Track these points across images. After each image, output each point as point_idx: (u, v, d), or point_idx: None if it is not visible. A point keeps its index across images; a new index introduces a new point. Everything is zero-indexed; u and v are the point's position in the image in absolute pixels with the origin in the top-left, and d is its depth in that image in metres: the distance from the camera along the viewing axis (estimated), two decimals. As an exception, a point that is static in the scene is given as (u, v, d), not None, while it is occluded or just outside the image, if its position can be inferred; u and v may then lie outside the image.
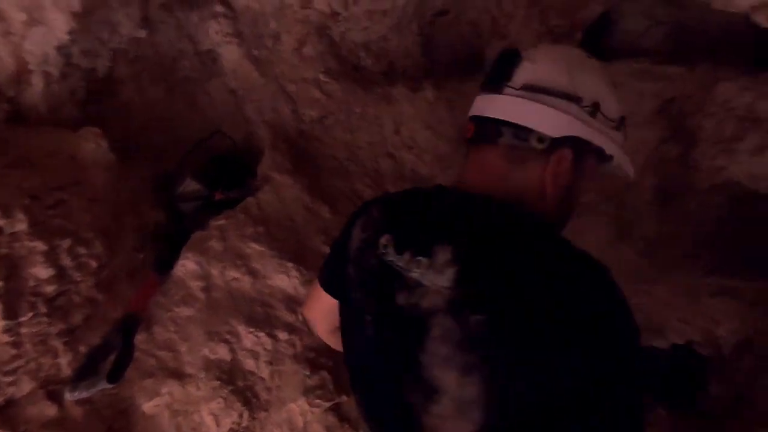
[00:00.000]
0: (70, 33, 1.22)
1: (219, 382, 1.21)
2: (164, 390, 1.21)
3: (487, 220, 0.56)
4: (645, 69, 1.38)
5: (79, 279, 1.14)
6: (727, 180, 1.25)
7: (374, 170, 1.57)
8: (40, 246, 1.08)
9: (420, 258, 0.56)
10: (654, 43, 1.54)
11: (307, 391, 1.22)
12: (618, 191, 1.32)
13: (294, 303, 1.32)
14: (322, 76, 1.57)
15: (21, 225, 1.08)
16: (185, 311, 1.28)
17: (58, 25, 1.19)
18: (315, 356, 1.26)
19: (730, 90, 1.22)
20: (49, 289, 1.08)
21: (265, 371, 1.24)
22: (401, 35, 1.64)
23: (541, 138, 0.59)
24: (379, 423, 0.62)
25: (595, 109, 0.60)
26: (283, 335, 1.27)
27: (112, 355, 1.11)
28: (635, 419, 0.51)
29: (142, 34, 1.47)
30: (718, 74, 1.29)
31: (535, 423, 0.49)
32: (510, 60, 0.62)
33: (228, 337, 1.25)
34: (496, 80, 0.62)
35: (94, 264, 1.17)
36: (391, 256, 0.58)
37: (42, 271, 1.07)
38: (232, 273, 1.31)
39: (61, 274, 1.10)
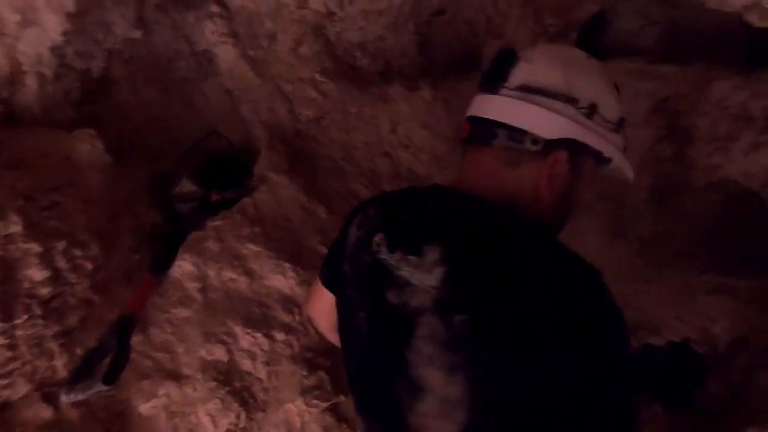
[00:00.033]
0: (64, 34, 1.21)
1: (216, 383, 1.20)
2: (161, 391, 1.20)
3: (480, 221, 0.56)
4: (640, 68, 1.39)
5: (74, 281, 1.13)
6: (722, 178, 1.25)
7: (371, 170, 1.57)
8: (35, 248, 1.08)
9: (410, 257, 0.56)
10: (648, 43, 1.54)
11: (305, 392, 1.21)
12: (614, 190, 1.33)
13: (291, 303, 1.31)
14: (318, 76, 1.57)
15: (15, 227, 1.07)
16: (182, 312, 1.27)
17: (52, 26, 1.18)
18: (312, 356, 1.26)
19: (725, 89, 1.23)
20: (45, 291, 1.08)
21: (262, 372, 1.24)
22: (397, 35, 1.64)
23: (535, 140, 0.58)
24: (372, 420, 0.62)
25: (591, 110, 0.59)
26: (280, 336, 1.27)
27: (108, 356, 1.11)
28: (625, 420, 0.51)
29: (137, 34, 1.47)
30: (713, 73, 1.29)
31: (521, 425, 0.49)
32: (506, 60, 0.62)
33: (225, 337, 1.25)
34: (492, 80, 0.62)
35: (89, 265, 1.16)
36: (384, 254, 0.59)
37: (37, 273, 1.07)
38: (229, 274, 1.31)
39: (56, 276, 1.10)
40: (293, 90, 1.56)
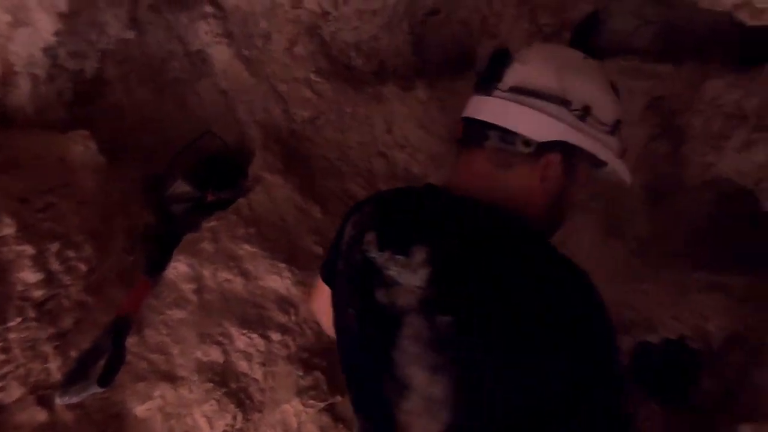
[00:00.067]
0: (56, 34, 1.21)
1: (212, 384, 1.20)
2: (156, 393, 1.20)
3: (469, 223, 0.56)
4: (634, 67, 1.39)
5: (68, 283, 1.13)
6: (716, 176, 1.26)
7: (366, 170, 1.56)
8: (29, 250, 1.07)
9: (398, 256, 0.57)
10: (643, 42, 1.55)
11: (301, 392, 1.21)
12: (609, 189, 1.33)
13: (287, 304, 1.31)
14: (313, 76, 1.56)
15: (9, 229, 1.07)
16: (177, 314, 1.27)
17: (44, 26, 1.17)
18: (308, 357, 1.26)
19: (718, 87, 1.24)
20: (38, 293, 1.07)
21: (258, 372, 1.24)
22: (392, 35, 1.64)
23: (527, 142, 0.58)
24: (365, 418, 0.63)
25: (585, 113, 0.59)
26: (276, 336, 1.26)
27: (103, 358, 1.10)
28: (614, 422, 0.51)
29: (131, 35, 1.46)
30: (706, 72, 1.30)
31: (504, 426, 0.50)
32: (500, 61, 0.62)
33: (221, 339, 1.25)
34: (486, 82, 0.62)
35: (83, 267, 1.16)
36: (373, 253, 0.59)
37: (30, 276, 1.06)
38: (224, 274, 1.30)
39: (49, 278, 1.09)
40: (288, 90, 1.56)
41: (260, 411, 1.22)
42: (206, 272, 1.30)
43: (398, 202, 0.65)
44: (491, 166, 0.60)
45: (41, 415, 1.08)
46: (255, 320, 1.27)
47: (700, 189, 1.32)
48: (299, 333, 1.28)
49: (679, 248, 1.32)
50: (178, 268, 1.30)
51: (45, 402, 1.09)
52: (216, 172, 1.51)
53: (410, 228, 0.59)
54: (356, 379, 0.64)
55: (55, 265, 1.10)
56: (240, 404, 1.21)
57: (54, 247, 1.11)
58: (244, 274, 1.32)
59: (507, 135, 0.59)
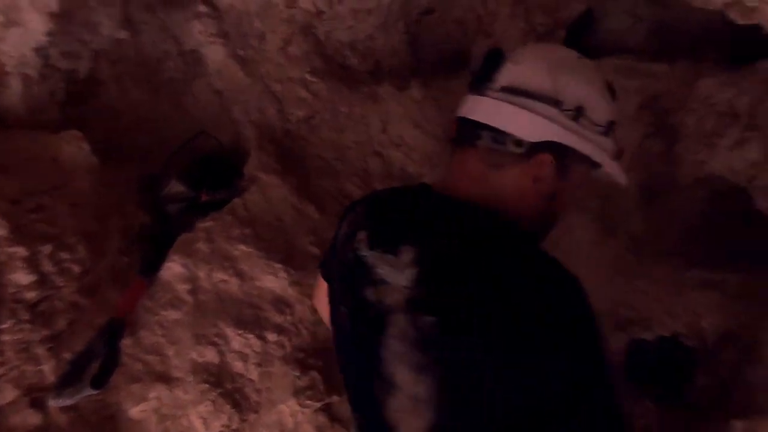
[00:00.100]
0: (48, 34, 1.20)
1: (207, 385, 1.20)
2: (151, 394, 1.19)
3: (458, 224, 0.57)
4: (628, 66, 1.40)
5: (61, 284, 1.12)
6: (709, 174, 1.27)
7: (362, 169, 1.56)
8: (21, 251, 1.07)
9: (387, 255, 0.57)
10: (637, 41, 1.56)
11: (297, 392, 1.21)
12: (603, 188, 1.34)
13: (283, 304, 1.31)
14: (308, 76, 1.56)
15: (1, 230, 1.06)
16: (172, 314, 1.26)
17: (36, 26, 1.16)
18: (304, 357, 1.26)
19: (711, 86, 1.24)
20: (31, 295, 1.07)
21: (254, 373, 1.23)
22: (387, 34, 1.64)
23: (518, 142, 0.58)
24: (359, 416, 0.63)
25: (578, 113, 0.59)
26: (272, 336, 1.26)
27: (97, 360, 1.10)
28: (615, 422, 0.51)
29: (124, 35, 1.45)
30: (700, 71, 1.31)
31: (489, 426, 0.50)
32: (493, 61, 0.62)
33: (216, 339, 1.24)
34: (479, 81, 0.62)
35: (77, 269, 1.15)
36: (364, 252, 0.60)
37: (23, 277, 1.06)
38: (220, 275, 1.30)
39: (42, 280, 1.08)
40: (283, 90, 1.56)
41: (256, 411, 1.22)
42: (201, 273, 1.30)
43: (391, 201, 0.66)
44: (483, 166, 0.60)
45: (35, 418, 1.07)
46: (251, 321, 1.27)
47: (694, 187, 1.33)
48: (295, 333, 1.27)
49: (673, 246, 1.33)
50: (172, 268, 1.30)
51: (38, 404, 1.09)
52: (211, 173, 1.50)
53: (400, 227, 0.59)
54: (350, 376, 0.65)
55: (48, 267, 1.09)
56: (236, 405, 1.20)
57: (47, 248, 1.10)
58: (240, 275, 1.31)
59: (499, 135, 0.59)
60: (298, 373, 1.23)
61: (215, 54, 1.57)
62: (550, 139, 0.58)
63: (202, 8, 1.53)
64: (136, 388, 1.20)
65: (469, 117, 0.61)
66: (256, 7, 1.52)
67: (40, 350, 1.09)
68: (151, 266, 1.30)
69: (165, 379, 1.21)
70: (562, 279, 0.52)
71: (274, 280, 1.31)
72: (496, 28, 1.57)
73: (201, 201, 1.45)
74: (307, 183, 1.49)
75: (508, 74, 0.60)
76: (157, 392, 1.20)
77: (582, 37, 1.55)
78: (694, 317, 1.18)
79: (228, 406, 1.19)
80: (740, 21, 0.87)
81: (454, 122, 0.65)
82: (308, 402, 1.21)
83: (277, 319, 1.29)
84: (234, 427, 1.20)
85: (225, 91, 1.63)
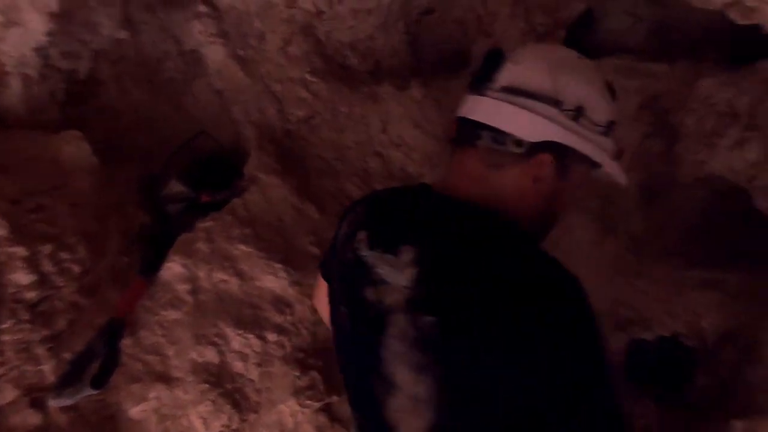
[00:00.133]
0: (48, 34, 1.20)
1: (207, 385, 1.19)
2: (151, 394, 1.19)
3: (458, 224, 0.57)
4: (628, 66, 1.40)
5: (61, 284, 1.12)
6: (709, 174, 1.27)
7: (362, 169, 1.56)
8: (21, 251, 1.07)
9: (387, 255, 0.57)
10: (637, 41, 1.56)
11: (297, 392, 1.21)
12: (603, 188, 1.34)
13: (283, 304, 1.31)
14: (308, 76, 1.56)
15: (1, 230, 1.06)
16: (172, 314, 1.26)
17: (36, 26, 1.17)
18: (304, 357, 1.26)
19: (711, 86, 1.24)
20: (31, 295, 1.07)
21: (254, 373, 1.23)
22: (387, 34, 1.64)
23: (517, 142, 0.58)
24: (359, 416, 0.64)
25: (578, 113, 0.59)
26: (272, 336, 1.26)
27: (97, 360, 1.10)
28: (615, 422, 0.51)
29: (124, 35, 1.45)
30: (700, 71, 1.31)
31: (491, 426, 0.50)
32: (493, 61, 0.62)
33: (216, 339, 1.24)
34: (479, 81, 0.62)
35: (77, 269, 1.15)
36: (364, 252, 0.60)
37: (23, 277, 1.05)
38: (220, 275, 1.30)
39: (43, 280, 1.08)
40: (283, 90, 1.56)
41: (256, 411, 1.22)
42: (201, 273, 1.30)
43: (391, 201, 0.66)
44: (483, 167, 0.60)
45: (35, 418, 1.07)
46: (251, 321, 1.27)
47: (694, 187, 1.33)
48: (295, 333, 1.27)
49: (673, 246, 1.33)
50: (172, 268, 1.30)
51: (38, 404, 1.09)
52: (211, 173, 1.51)
53: (400, 227, 0.59)
54: (350, 376, 0.65)
55: (48, 267, 1.09)
56: (236, 405, 1.20)
57: (47, 248, 1.10)
58: (240, 275, 1.31)
59: (499, 135, 0.59)
60: (298, 373, 1.23)
61: (215, 54, 1.57)
62: (550, 139, 0.58)
63: (202, 8, 1.53)
64: (136, 388, 1.20)
65: (469, 117, 0.61)
66: (256, 7, 1.52)
67: (40, 350, 1.09)
68: (151, 266, 1.30)
69: (165, 379, 1.21)
70: (562, 279, 0.52)
71: (274, 280, 1.31)
72: (497, 28, 1.57)
73: (201, 201, 1.45)
74: (307, 183, 1.49)
75: (508, 74, 0.60)
76: (157, 392, 1.20)
77: (582, 37, 1.55)
78: (694, 317, 1.18)
79: (228, 406, 1.19)
80: (740, 21, 0.87)
81: (454, 122, 0.65)
82: (308, 402, 1.21)
83: (277, 319, 1.29)
84: (234, 427, 1.20)
85: (225, 91, 1.63)
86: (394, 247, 0.56)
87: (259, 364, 1.24)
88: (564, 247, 1.25)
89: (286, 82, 1.56)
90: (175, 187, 1.44)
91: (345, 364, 0.66)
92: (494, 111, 0.59)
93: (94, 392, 1.08)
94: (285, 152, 1.53)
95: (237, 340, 1.24)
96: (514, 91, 0.59)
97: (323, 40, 1.59)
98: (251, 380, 1.23)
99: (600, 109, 0.61)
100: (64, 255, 1.13)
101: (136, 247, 1.37)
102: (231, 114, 1.65)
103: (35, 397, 1.09)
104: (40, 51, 1.24)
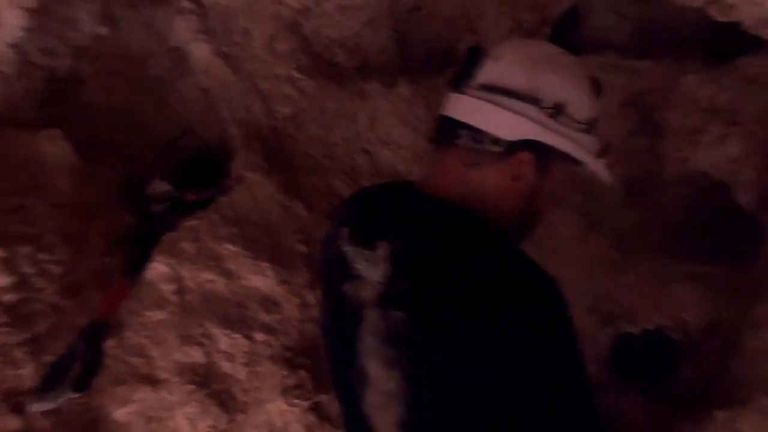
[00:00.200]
0: (25, 30, 1.17)
1: (194, 386, 1.18)
2: (137, 396, 1.18)
3: (434, 221, 0.57)
4: (613, 63, 1.41)
5: (41, 286, 1.10)
6: (692, 170, 1.29)
7: (350, 167, 1.55)
8: (-1, 252, 1.04)
9: (365, 251, 0.57)
10: (621, 39, 1.57)
11: (286, 391, 1.20)
12: (587, 184, 1.35)
13: (270, 303, 1.30)
14: (295, 73, 1.54)
15: (-22, 231, 1.03)
16: (157, 315, 1.24)
17: (13, 22, 1.14)
18: (293, 356, 1.25)
19: (694, 83, 1.26)
20: (9, 297, 1.04)
21: (241, 373, 1.22)
22: (375, 31, 1.63)
23: (496, 141, 0.57)
24: (344, 409, 0.64)
25: (557, 110, 0.58)
26: (259, 336, 1.25)
27: (79, 363, 1.07)
28: (593, 423, 0.52)
29: (106, 31, 1.43)
30: (683, 68, 1.33)
31: (458, 423, 0.50)
32: (473, 58, 0.61)
33: (202, 339, 1.23)
34: (459, 79, 0.61)
35: (57, 270, 1.12)
36: (345, 247, 0.60)
37: (1, 279, 1.03)
38: (206, 275, 1.28)
39: (22, 281, 1.06)
40: (269, 87, 1.54)
41: (244, 412, 1.21)
42: (186, 273, 1.28)
43: (375, 198, 0.66)
44: (463, 166, 0.59)
45: (15, 423, 1.05)
46: (238, 320, 1.26)
47: (678, 183, 1.35)
48: (283, 332, 1.27)
49: (657, 241, 1.34)
50: (157, 268, 1.28)
51: (19, 409, 1.06)
52: (196, 171, 1.49)
53: (378, 224, 0.59)
54: (335, 371, 0.66)
55: (27, 268, 1.07)
56: (223, 405, 1.19)
57: (26, 249, 1.07)
58: (226, 274, 1.30)
59: (477, 134, 0.58)
60: (286, 372, 1.22)
61: (200, 51, 1.54)
62: (528, 138, 0.58)
63: (186, 4, 1.50)
64: (120, 390, 1.18)
65: (449, 116, 0.61)
66: (241, 3, 1.50)
67: (19, 353, 1.06)
68: (135, 266, 1.28)
69: (150, 380, 1.19)
70: (540, 280, 0.52)
71: (261, 279, 1.30)
72: (482, 26, 1.57)
73: (186, 200, 1.43)
74: (295, 181, 1.48)
75: (488, 71, 0.60)
76: (143, 394, 1.18)
77: (567, 35, 1.56)
78: (678, 311, 1.20)
79: (215, 407, 1.18)
80: (720, 18, 0.88)
81: (436, 121, 0.65)
82: (297, 401, 1.20)
83: (265, 318, 1.28)
84: (221, 427, 1.18)
85: (210, 89, 1.60)
86: (372, 243, 0.57)
87: (246, 364, 1.22)
88: (548, 244, 1.26)
89: (272, 80, 1.54)
90: (160, 186, 1.42)
91: (329, 359, 0.66)
92: (473, 109, 0.59)
93: (77, 395, 1.06)
94: (272, 150, 1.52)
95: (224, 340, 1.23)
96: (493, 89, 0.58)
97: (310, 36, 1.57)
98: (239, 380, 1.22)
99: (581, 106, 0.60)
100: (43, 256, 1.10)
101: (120, 247, 1.34)
102: (217, 112, 1.62)
103: (15, 402, 1.06)
104: (17, 47, 1.21)
